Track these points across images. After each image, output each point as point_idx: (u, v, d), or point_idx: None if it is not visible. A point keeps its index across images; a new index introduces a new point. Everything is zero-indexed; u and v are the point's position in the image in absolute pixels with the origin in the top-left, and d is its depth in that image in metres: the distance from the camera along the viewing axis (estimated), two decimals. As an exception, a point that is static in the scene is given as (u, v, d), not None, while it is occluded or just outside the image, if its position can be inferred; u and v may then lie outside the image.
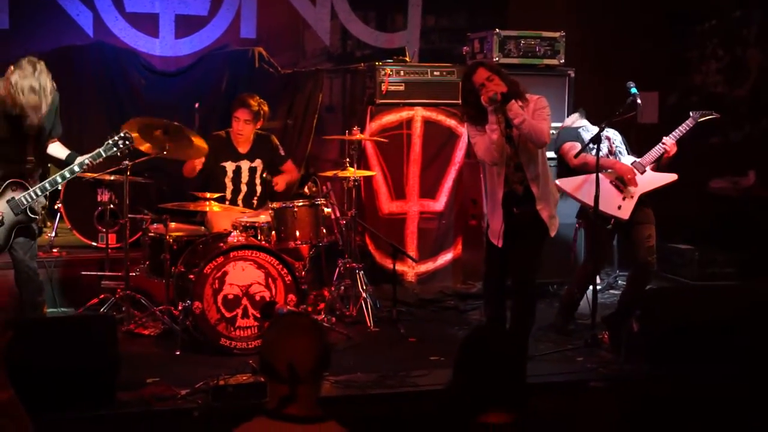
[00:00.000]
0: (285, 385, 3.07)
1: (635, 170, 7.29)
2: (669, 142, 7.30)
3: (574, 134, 7.47)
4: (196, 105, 8.48)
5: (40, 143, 6.43)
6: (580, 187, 7.31)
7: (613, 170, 7.27)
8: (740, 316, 6.48)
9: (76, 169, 6.42)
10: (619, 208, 7.27)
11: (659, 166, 7.37)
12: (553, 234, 6.35)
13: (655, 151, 7.35)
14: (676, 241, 9.66)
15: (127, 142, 6.60)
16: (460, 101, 6.64)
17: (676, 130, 7.35)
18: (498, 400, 3.20)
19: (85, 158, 6.45)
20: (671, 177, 7.38)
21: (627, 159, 7.40)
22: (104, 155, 6.54)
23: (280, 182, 8.01)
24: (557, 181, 7.34)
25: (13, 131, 6.26)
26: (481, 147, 6.25)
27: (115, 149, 6.58)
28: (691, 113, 7.47)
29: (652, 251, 7.35)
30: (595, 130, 7.11)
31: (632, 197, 7.25)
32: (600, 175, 6.90)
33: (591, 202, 6.95)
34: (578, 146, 7.22)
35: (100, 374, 5.41)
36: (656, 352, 6.42)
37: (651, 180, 7.35)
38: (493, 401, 3.19)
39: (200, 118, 8.36)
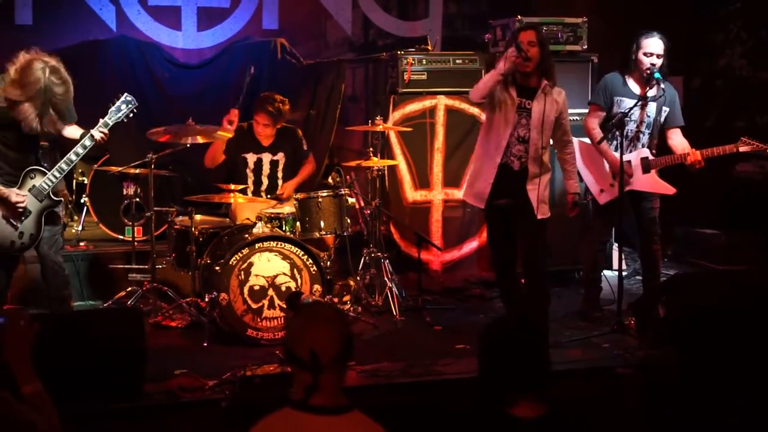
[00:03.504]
0: (308, 373, 3.09)
1: (639, 166, 7.21)
2: (692, 158, 7.09)
3: (609, 98, 7.28)
4: (252, 69, 8.39)
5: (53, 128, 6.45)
6: (586, 157, 7.33)
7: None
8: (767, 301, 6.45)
9: (87, 143, 6.40)
10: (602, 191, 7.24)
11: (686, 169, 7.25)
12: (539, 217, 6.39)
13: (672, 159, 7.24)
14: (702, 226, 9.62)
15: (129, 106, 6.61)
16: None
17: (712, 149, 7.10)
18: (524, 389, 3.20)
19: (93, 131, 6.45)
20: (669, 190, 7.27)
21: (641, 152, 7.25)
22: (110, 123, 6.53)
23: (287, 189, 7.95)
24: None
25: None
26: (478, 84, 6.51)
27: (119, 114, 6.58)
28: (741, 139, 7.11)
29: (654, 222, 7.32)
30: (630, 102, 7.08)
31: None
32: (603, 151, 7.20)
33: (584, 177, 7.32)
34: (602, 116, 7.25)
35: (128, 366, 5.44)
36: (683, 338, 6.40)
37: (648, 182, 7.24)
38: (519, 391, 3.20)
39: (248, 85, 8.25)
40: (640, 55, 7.11)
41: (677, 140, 7.32)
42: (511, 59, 6.28)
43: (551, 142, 6.64)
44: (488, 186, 6.50)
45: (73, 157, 6.38)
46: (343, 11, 10.33)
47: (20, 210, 6.24)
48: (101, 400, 5.29)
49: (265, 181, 7.94)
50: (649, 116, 7.19)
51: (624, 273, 7.51)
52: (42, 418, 3.12)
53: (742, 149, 7.09)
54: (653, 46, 7.09)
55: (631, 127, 7.15)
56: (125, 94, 6.66)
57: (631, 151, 7.17)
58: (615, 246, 7.85)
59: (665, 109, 7.22)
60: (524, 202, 6.40)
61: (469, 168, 8.41)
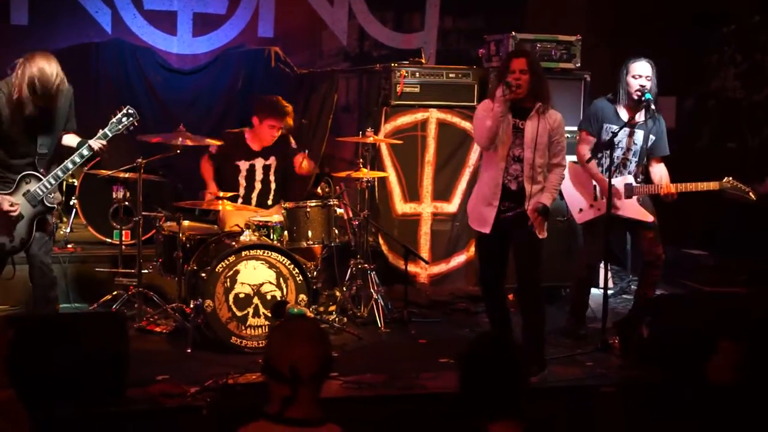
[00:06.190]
0: (286, 386, 3.09)
1: (622, 192, 7.23)
2: (668, 190, 7.17)
3: (599, 124, 7.28)
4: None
5: (53, 135, 6.47)
6: (572, 177, 7.36)
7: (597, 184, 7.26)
8: (752, 323, 6.45)
9: (85, 152, 6.46)
10: (580, 211, 7.25)
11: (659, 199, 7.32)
12: (540, 236, 6.35)
13: (651, 188, 7.28)
14: (690, 247, 9.62)
15: (131, 119, 6.64)
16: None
17: (686, 185, 7.18)
18: (501, 408, 3.21)
19: (91, 141, 6.49)
20: (647, 216, 7.28)
21: (625, 178, 7.27)
22: (110, 134, 6.58)
23: (303, 164, 7.91)
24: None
25: (25, 124, 6.30)
26: (477, 127, 6.43)
27: (120, 127, 6.62)
28: (726, 179, 7.24)
29: (657, 241, 7.32)
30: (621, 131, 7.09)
31: (599, 210, 7.19)
32: (587, 173, 7.27)
33: (566, 196, 7.40)
34: (592, 142, 7.25)
35: (110, 371, 5.43)
36: (666, 358, 6.40)
37: (629, 208, 7.25)
38: (497, 410, 3.21)
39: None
40: (629, 79, 7.14)
41: (657, 169, 7.38)
42: (500, 99, 6.25)
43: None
44: (493, 210, 6.36)
45: (70, 166, 6.43)
46: (339, 22, 10.34)
47: (12, 217, 6.27)
48: (84, 405, 5.26)
49: (258, 186, 7.92)
50: (636, 144, 7.22)
51: (610, 291, 7.52)
52: (12, 426, 3.11)
53: (723, 187, 7.21)
54: (640, 68, 7.13)
55: (618, 153, 7.14)
56: (127, 106, 6.69)
57: (617, 177, 7.19)
58: (602, 264, 7.84)
59: (652, 137, 7.24)
60: (522, 219, 6.34)
61: (460, 181, 8.49)
